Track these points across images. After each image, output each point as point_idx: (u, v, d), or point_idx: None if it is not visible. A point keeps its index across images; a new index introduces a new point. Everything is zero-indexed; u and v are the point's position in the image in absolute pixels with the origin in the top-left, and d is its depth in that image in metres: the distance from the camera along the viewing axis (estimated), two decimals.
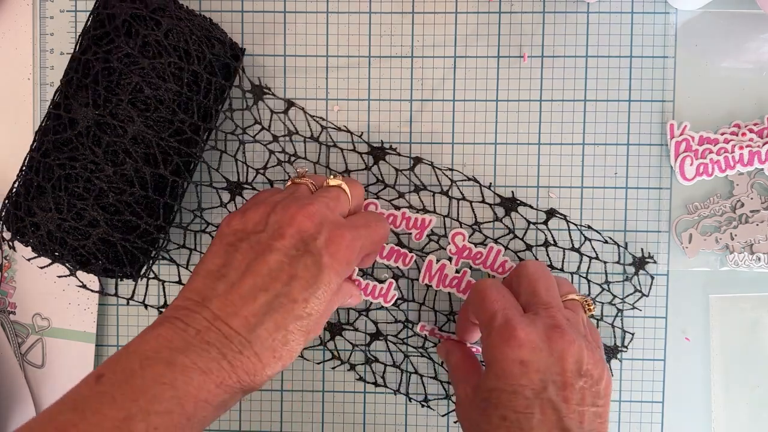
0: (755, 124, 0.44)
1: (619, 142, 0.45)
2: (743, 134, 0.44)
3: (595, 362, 0.36)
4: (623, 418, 0.46)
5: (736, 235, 0.45)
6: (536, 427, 0.34)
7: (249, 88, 0.44)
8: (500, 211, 0.45)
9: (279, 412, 0.47)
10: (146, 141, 0.38)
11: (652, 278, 0.45)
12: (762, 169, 0.44)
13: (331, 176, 0.40)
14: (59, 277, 0.43)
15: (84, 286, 0.44)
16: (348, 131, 0.45)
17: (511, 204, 0.45)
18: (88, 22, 0.39)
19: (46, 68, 0.46)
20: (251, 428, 0.47)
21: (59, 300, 0.47)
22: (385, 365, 0.46)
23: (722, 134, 0.44)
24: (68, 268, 0.40)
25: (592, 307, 0.40)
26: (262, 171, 0.45)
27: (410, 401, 0.47)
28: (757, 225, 0.44)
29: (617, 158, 0.45)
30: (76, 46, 0.39)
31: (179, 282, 0.46)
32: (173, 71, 0.38)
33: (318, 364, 0.47)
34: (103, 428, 0.30)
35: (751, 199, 0.45)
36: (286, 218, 0.35)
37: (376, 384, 0.46)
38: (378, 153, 0.45)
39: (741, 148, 0.44)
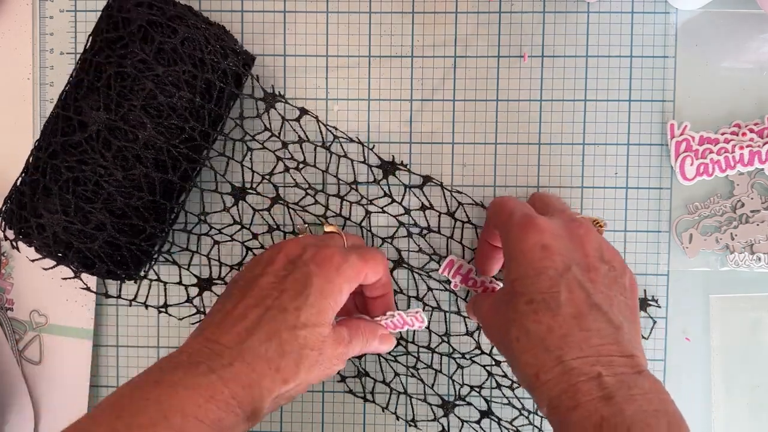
0: (755, 124, 0.44)
1: (619, 142, 0.45)
2: (743, 134, 0.44)
3: (614, 255, 0.36)
4: None
5: (736, 235, 0.45)
6: (564, 304, 0.33)
7: (261, 96, 0.44)
8: None
9: (279, 412, 0.47)
10: (157, 147, 0.38)
11: (654, 322, 0.45)
12: (762, 169, 0.44)
13: (326, 224, 0.42)
14: (64, 279, 0.43)
15: (88, 289, 0.44)
16: (359, 142, 0.45)
17: None
18: (101, 24, 0.38)
19: (46, 68, 0.46)
20: (251, 428, 0.47)
21: (57, 297, 0.47)
22: (375, 380, 0.46)
23: (722, 134, 0.44)
24: (72, 270, 0.40)
25: (602, 224, 0.40)
26: (267, 177, 0.45)
27: (397, 419, 0.46)
28: (758, 225, 0.44)
29: (617, 158, 0.45)
30: (86, 45, 0.39)
31: (179, 283, 0.46)
32: (187, 79, 0.38)
33: None
34: None
35: (752, 199, 0.44)
36: (275, 249, 0.38)
37: (365, 399, 0.46)
38: (388, 167, 0.45)
39: (741, 148, 0.44)
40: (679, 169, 0.44)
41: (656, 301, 0.45)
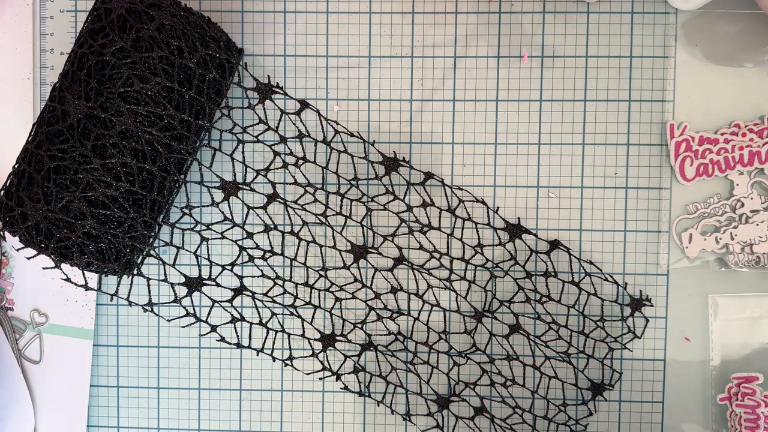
0: (755, 124, 0.44)
1: (619, 142, 0.45)
2: (743, 134, 0.44)
3: None
4: (623, 418, 0.46)
5: (736, 235, 0.45)
6: None
7: (253, 86, 0.44)
8: (504, 236, 0.45)
9: (279, 412, 0.47)
10: (135, 135, 0.38)
11: (647, 321, 0.45)
12: (762, 169, 0.44)
13: None
14: (44, 268, 0.42)
15: (68, 279, 0.43)
16: (360, 138, 0.45)
17: (516, 230, 0.45)
18: (87, 17, 0.39)
19: (46, 68, 0.46)
20: (251, 428, 0.47)
21: (57, 296, 0.47)
22: (372, 374, 0.46)
23: (722, 134, 0.44)
24: (53, 260, 0.40)
25: None
26: (263, 172, 0.44)
27: (393, 413, 0.46)
28: (757, 225, 0.44)
29: (617, 158, 0.45)
30: (76, 41, 0.39)
31: (165, 280, 0.44)
32: (164, 66, 0.38)
33: (308, 374, 0.47)
34: None
35: (751, 199, 0.45)
36: None
37: (360, 394, 0.46)
38: (390, 164, 0.44)
39: (741, 148, 0.44)
40: (679, 169, 0.44)
41: (650, 301, 0.45)
